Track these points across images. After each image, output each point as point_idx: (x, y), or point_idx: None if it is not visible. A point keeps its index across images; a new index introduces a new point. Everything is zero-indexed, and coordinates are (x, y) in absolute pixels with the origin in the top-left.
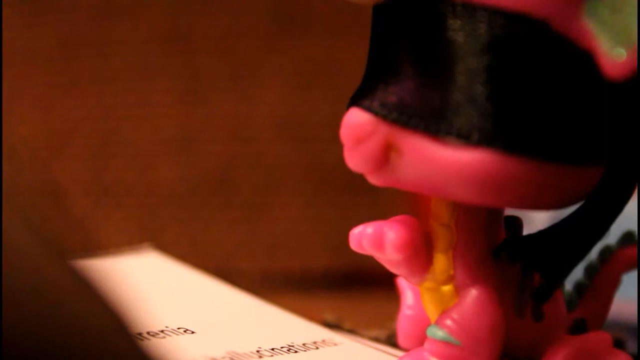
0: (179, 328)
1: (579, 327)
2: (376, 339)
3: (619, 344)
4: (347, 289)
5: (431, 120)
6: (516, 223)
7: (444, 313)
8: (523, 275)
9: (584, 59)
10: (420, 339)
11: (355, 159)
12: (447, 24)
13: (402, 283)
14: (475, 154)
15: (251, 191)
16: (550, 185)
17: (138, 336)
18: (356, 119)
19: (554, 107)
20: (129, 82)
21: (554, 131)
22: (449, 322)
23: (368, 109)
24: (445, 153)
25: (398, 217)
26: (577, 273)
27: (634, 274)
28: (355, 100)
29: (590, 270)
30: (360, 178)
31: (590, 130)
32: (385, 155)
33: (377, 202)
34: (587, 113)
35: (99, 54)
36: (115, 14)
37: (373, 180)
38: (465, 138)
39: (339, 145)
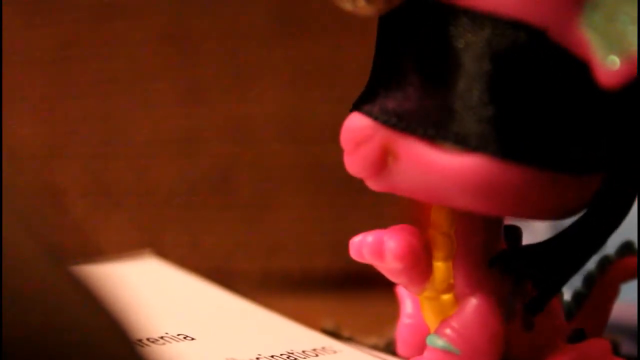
0: (178, 334)
1: (577, 337)
2: (375, 347)
3: (614, 347)
4: (347, 290)
5: (429, 126)
6: (516, 233)
7: (443, 322)
8: (516, 282)
9: (582, 69)
10: (420, 348)
11: (354, 164)
12: (448, 31)
13: (402, 292)
14: (470, 159)
15: (251, 191)
16: (546, 194)
17: (137, 343)
18: (355, 123)
19: (551, 116)
20: (129, 83)
21: (551, 139)
22: (448, 331)
23: (367, 114)
24: (441, 158)
25: (398, 226)
26: (576, 283)
27: None
28: (357, 106)
29: (589, 280)
30: (360, 179)
31: (587, 139)
32: (383, 160)
33: (377, 203)
34: (585, 122)
35: (99, 54)
36: (115, 14)
37: (372, 185)
38: (462, 143)
39: (339, 146)
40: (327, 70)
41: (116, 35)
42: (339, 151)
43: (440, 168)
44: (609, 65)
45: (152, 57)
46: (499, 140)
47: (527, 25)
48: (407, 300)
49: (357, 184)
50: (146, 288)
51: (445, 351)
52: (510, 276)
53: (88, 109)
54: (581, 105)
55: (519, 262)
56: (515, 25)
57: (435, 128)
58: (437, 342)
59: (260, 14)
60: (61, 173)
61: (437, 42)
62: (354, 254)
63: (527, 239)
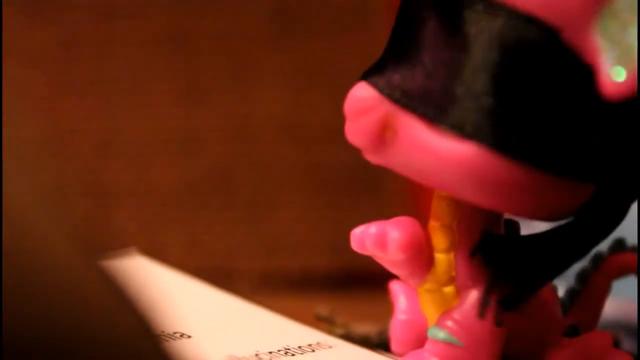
0: (174, 332)
1: (571, 333)
2: (367, 335)
3: (614, 343)
4: (347, 290)
5: (429, 107)
6: (514, 227)
7: (444, 314)
8: (493, 276)
9: (588, 75)
10: (414, 345)
11: (353, 132)
12: (464, 16)
13: (395, 288)
14: (464, 146)
15: (251, 191)
16: (535, 193)
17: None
18: (360, 92)
19: (552, 117)
20: (129, 82)
21: (548, 140)
22: (450, 323)
23: (373, 84)
24: (436, 141)
25: (400, 218)
26: (570, 279)
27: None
28: (365, 75)
29: (581, 277)
30: (360, 178)
31: (585, 146)
32: (382, 133)
33: (377, 202)
34: (585, 129)
35: (99, 54)
36: (115, 14)
37: (370, 157)
38: (459, 130)
39: (339, 146)
40: (327, 70)
41: (116, 35)
42: (339, 151)
43: (434, 151)
44: (614, 76)
45: (152, 57)
46: (495, 132)
47: (543, 22)
48: (400, 296)
49: (357, 184)
50: (133, 286)
51: (447, 343)
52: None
53: (88, 108)
54: (583, 111)
55: (501, 255)
56: (530, 20)
57: (435, 110)
58: (438, 334)
59: (260, 14)
60: (61, 173)
61: (451, 25)
62: (355, 245)
63: (525, 233)
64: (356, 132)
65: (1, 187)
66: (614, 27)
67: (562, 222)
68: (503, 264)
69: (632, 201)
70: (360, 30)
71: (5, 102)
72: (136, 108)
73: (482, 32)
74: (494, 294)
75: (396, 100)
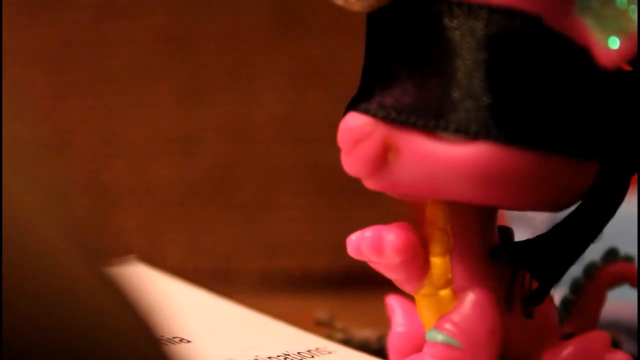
0: (174, 337)
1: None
2: (366, 341)
3: (615, 345)
4: (347, 290)
5: (428, 118)
6: (508, 232)
7: (442, 317)
8: (512, 273)
9: (578, 53)
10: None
11: (352, 162)
12: (443, 23)
13: (392, 302)
14: (473, 147)
15: (251, 191)
16: (549, 180)
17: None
18: (353, 121)
19: (550, 100)
20: (129, 82)
21: (552, 123)
22: (448, 325)
23: (365, 112)
24: (443, 149)
25: (395, 223)
26: (564, 289)
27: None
28: (352, 105)
29: (575, 287)
30: (359, 179)
31: (587, 123)
32: (383, 157)
33: (377, 203)
34: (583, 106)
35: (99, 54)
36: (115, 14)
37: (370, 184)
38: (463, 132)
39: (339, 146)
40: (327, 70)
41: (116, 35)
42: (339, 151)
43: (443, 159)
44: (610, 46)
45: (152, 57)
46: (499, 125)
47: (521, 12)
48: (398, 310)
49: (357, 185)
50: (134, 291)
51: (446, 345)
52: (508, 268)
53: (88, 108)
54: (579, 89)
55: (519, 253)
56: (509, 13)
57: (435, 119)
58: (437, 336)
59: (260, 14)
60: (61, 172)
61: (432, 35)
62: (351, 251)
63: (526, 232)
64: (355, 161)
65: (1, 187)
66: (594, 3)
67: (573, 208)
68: (527, 260)
69: (633, 173)
70: (360, 30)
71: (5, 102)
72: (136, 108)
73: (466, 35)
74: (518, 291)
75: (392, 120)
